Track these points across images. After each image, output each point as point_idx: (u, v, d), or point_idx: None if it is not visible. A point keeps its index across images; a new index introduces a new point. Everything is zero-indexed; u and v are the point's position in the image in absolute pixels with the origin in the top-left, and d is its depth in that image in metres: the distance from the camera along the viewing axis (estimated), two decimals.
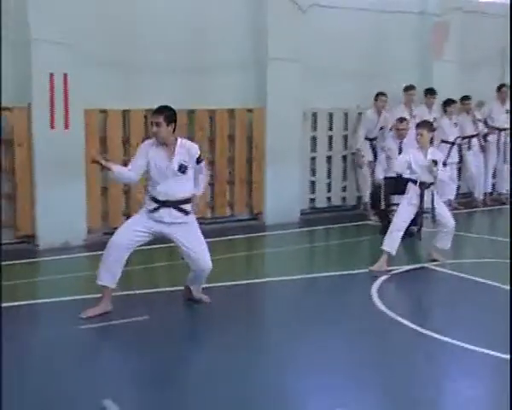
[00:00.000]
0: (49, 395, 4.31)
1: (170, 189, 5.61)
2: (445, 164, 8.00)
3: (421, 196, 7.31)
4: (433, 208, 7.38)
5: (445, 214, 7.57)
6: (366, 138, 10.40)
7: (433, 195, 7.40)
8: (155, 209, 5.65)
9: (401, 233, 7.34)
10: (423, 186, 7.32)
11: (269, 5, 9.47)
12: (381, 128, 10.41)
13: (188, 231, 5.73)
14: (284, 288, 6.81)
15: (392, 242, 7.26)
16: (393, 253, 7.25)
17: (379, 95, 10.25)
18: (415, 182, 7.37)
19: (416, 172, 7.38)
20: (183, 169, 5.60)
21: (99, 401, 4.10)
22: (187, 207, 5.72)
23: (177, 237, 5.73)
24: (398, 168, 7.74)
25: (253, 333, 5.51)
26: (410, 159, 7.46)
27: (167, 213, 5.64)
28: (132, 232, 5.69)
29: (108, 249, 5.71)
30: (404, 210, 7.39)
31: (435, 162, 7.32)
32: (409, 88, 10.57)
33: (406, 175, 7.53)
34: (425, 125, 7.69)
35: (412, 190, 7.40)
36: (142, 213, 5.77)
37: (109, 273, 5.69)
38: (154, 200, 5.66)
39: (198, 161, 5.75)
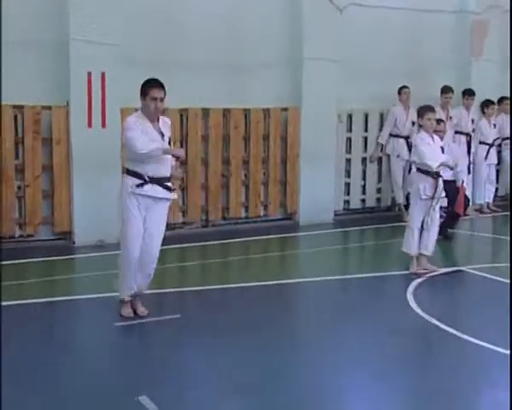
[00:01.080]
0: (84, 391, 4.34)
1: (159, 165, 5.47)
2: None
3: (436, 186, 7.09)
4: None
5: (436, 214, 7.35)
6: (398, 136, 10.32)
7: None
8: (141, 185, 5.44)
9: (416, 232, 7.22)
10: (438, 175, 7.13)
11: (305, 4, 9.45)
12: (414, 124, 10.30)
13: (161, 213, 5.62)
14: (318, 288, 6.78)
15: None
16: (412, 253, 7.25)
17: (402, 88, 10.17)
18: (427, 172, 7.09)
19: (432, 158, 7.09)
20: (170, 144, 5.65)
21: (135, 398, 4.15)
22: (170, 184, 5.63)
23: (149, 215, 5.53)
24: (434, 162, 7.15)
25: (285, 333, 5.49)
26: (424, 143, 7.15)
27: (153, 190, 5.47)
28: (141, 235, 5.55)
29: (129, 265, 5.58)
30: (419, 208, 7.20)
31: (442, 149, 7.29)
32: (446, 90, 10.43)
33: (421, 166, 7.11)
34: (431, 109, 7.34)
35: (424, 180, 7.10)
36: (131, 201, 5.48)
37: (131, 284, 5.64)
38: (140, 177, 5.44)
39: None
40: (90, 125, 8.11)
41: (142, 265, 5.60)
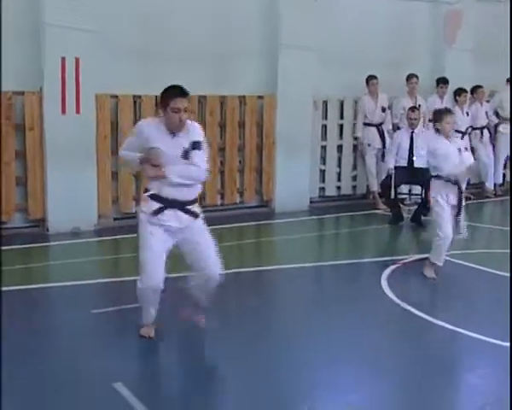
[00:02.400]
0: (60, 376, 4.35)
1: (174, 187, 4.69)
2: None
3: (460, 194, 6.55)
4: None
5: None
6: (370, 124, 10.39)
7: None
8: (158, 211, 4.70)
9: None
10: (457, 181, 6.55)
11: None
12: (384, 110, 10.39)
13: (195, 232, 4.86)
14: (293, 275, 6.81)
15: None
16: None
17: (370, 78, 10.23)
18: (448, 179, 6.52)
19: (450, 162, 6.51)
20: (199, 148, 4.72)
21: (110, 385, 4.16)
22: (196, 208, 4.87)
23: (184, 238, 4.83)
24: (455, 169, 6.55)
25: (260, 319, 5.53)
26: (442, 149, 6.55)
27: (174, 217, 4.73)
28: (162, 262, 4.80)
29: (147, 296, 4.86)
30: (445, 215, 6.60)
31: (460, 149, 6.67)
32: (410, 77, 10.48)
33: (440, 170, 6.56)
34: (449, 111, 6.93)
35: (444, 187, 6.56)
36: (152, 229, 4.72)
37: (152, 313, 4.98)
38: (157, 199, 4.71)
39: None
40: (63, 111, 8.02)
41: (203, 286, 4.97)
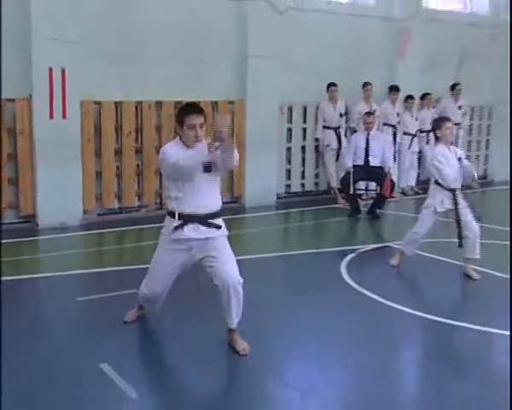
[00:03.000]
0: (49, 359, 4.30)
1: (198, 197, 4.34)
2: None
3: (456, 202, 6.22)
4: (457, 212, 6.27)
5: (468, 219, 6.29)
6: (329, 127, 10.43)
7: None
8: (179, 227, 4.35)
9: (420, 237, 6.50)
10: (455, 189, 6.23)
11: (249, 7, 9.44)
12: (341, 115, 10.46)
13: (216, 245, 4.46)
14: (261, 264, 6.82)
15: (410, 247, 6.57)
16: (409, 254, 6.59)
17: (330, 86, 10.28)
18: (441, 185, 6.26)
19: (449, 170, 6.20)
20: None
21: (96, 366, 4.13)
22: (218, 221, 4.47)
23: (204, 252, 4.43)
24: (452, 181, 6.24)
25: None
26: (440, 156, 6.21)
27: (193, 230, 4.36)
28: (169, 282, 4.61)
29: (147, 301, 4.84)
30: (429, 218, 6.42)
31: (460, 159, 6.28)
32: (365, 84, 10.58)
33: (437, 177, 6.28)
34: (448, 119, 6.54)
35: (441, 193, 6.30)
36: (172, 246, 4.41)
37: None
38: (178, 216, 4.35)
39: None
40: (51, 116, 7.95)
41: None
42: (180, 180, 4.27)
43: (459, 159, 6.28)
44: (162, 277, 4.54)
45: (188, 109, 4.32)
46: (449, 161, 6.22)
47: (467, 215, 6.27)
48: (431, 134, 11.42)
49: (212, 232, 4.39)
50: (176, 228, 4.33)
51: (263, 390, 3.89)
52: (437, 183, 6.30)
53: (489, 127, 13.25)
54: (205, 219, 4.35)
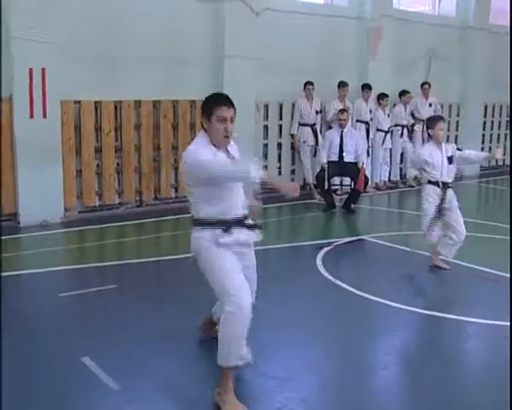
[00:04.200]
0: (32, 352, 4.29)
1: (231, 203, 3.76)
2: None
3: (443, 198, 6.18)
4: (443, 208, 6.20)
5: (459, 221, 6.25)
6: (305, 124, 10.47)
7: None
8: (226, 231, 3.70)
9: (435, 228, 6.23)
10: (444, 186, 6.21)
11: (226, 8, 9.42)
12: (317, 113, 10.51)
13: (252, 253, 3.95)
14: None
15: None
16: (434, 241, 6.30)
17: (306, 84, 10.33)
18: (434, 182, 6.21)
19: (436, 169, 6.18)
20: None
21: (78, 359, 4.12)
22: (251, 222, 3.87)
23: (243, 260, 3.82)
24: (415, 164, 6.52)
25: (211, 298, 5.53)
26: (426, 155, 6.23)
27: (240, 233, 3.76)
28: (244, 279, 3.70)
29: (236, 323, 3.53)
30: (431, 211, 6.23)
31: (450, 159, 6.21)
32: (342, 85, 10.64)
33: (427, 174, 6.23)
34: (441, 118, 6.43)
35: (431, 190, 6.24)
36: (221, 250, 3.68)
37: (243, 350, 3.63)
38: (221, 223, 3.70)
39: None
40: (32, 116, 7.86)
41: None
42: (217, 184, 3.63)
43: (450, 157, 6.19)
44: (235, 279, 3.62)
45: (219, 100, 3.70)
46: (434, 160, 6.18)
47: (457, 218, 6.21)
48: (404, 129, 11.62)
49: (251, 236, 3.83)
50: (223, 232, 3.68)
51: (240, 380, 3.90)
52: (429, 181, 6.26)
53: (458, 124, 13.41)
54: (242, 221, 3.78)
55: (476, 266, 6.31)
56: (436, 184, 6.20)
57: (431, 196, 6.22)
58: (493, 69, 13.12)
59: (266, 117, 10.51)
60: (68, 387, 3.86)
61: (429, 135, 6.32)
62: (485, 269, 6.23)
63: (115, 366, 4.11)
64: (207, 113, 3.70)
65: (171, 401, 3.76)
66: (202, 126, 3.79)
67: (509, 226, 6.58)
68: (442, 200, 6.17)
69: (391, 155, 11.68)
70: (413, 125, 11.84)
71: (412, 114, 11.83)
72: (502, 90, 12.90)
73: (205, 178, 3.58)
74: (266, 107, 10.45)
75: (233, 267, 3.66)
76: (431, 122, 6.31)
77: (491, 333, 4.85)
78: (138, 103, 8.95)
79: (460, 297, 5.77)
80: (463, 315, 5.10)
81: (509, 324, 4.61)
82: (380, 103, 11.17)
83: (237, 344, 3.56)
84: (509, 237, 6.18)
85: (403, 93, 11.50)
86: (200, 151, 3.61)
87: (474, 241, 6.90)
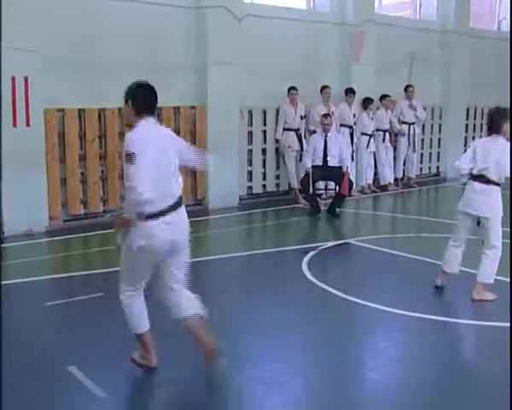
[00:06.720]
0: (19, 362, 4.25)
1: None
2: None
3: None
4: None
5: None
6: (290, 129, 10.52)
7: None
8: None
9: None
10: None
11: (208, 15, 9.45)
12: (302, 118, 10.56)
13: None
14: (225, 264, 6.87)
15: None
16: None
17: (290, 89, 10.37)
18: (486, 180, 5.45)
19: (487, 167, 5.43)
20: None
21: (64, 368, 4.10)
22: None
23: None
24: (463, 164, 5.59)
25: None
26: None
27: None
28: None
29: None
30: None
31: None
32: (324, 88, 10.70)
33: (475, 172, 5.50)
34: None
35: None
36: None
37: None
38: None
39: None
40: (15, 124, 7.82)
41: None
42: None
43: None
44: None
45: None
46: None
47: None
48: (386, 134, 11.70)
49: None
50: None
51: (228, 385, 3.91)
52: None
53: (440, 126, 13.53)
54: None
55: (463, 269, 6.34)
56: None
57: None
58: (474, 72, 13.28)
59: (250, 123, 10.53)
60: (55, 396, 3.85)
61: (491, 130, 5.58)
62: (471, 271, 6.25)
63: (102, 375, 4.10)
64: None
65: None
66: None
67: (509, 230, 6.59)
68: None
69: (375, 158, 11.76)
70: (396, 134, 11.90)
71: (398, 119, 11.91)
72: (483, 93, 13.06)
73: None
74: (250, 112, 10.48)
75: None
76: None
77: (482, 334, 4.91)
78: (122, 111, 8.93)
79: (449, 299, 5.79)
80: (452, 317, 5.15)
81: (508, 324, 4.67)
82: (366, 107, 11.25)
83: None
84: (509, 241, 6.19)
85: (383, 97, 11.58)
86: None
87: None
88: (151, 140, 3.76)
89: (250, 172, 10.68)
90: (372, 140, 11.46)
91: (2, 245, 7.57)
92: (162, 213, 3.75)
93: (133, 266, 3.93)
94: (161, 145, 3.82)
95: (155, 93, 3.99)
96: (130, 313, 4.07)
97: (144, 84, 4.04)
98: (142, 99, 3.94)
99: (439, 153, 13.64)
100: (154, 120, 3.93)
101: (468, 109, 13.93)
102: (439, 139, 13.56)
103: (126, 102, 3.95)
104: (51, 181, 8.31)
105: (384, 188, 11.75)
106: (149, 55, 9.09)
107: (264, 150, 10.77)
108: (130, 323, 4.10)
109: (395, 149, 12.01)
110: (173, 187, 3.87)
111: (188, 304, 4.03)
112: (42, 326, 5.04)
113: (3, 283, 6.05)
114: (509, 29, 11.80)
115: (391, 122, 11.75)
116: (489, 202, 5.43)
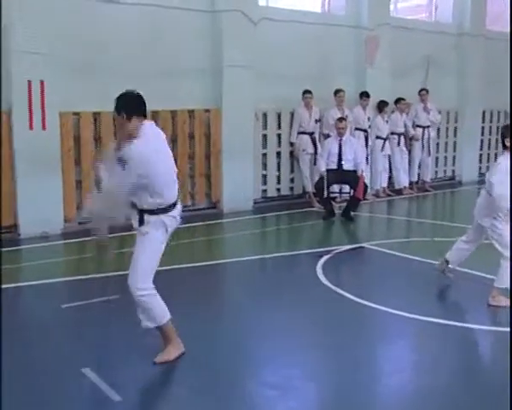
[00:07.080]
0: (34, 366, 4.28)
1: None
2: None
3: None
4: None
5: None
6: (304, 133, 10.50)
7: None
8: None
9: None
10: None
11: (224, 19, 9.48)
12: (317, 121, 10.55)
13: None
14: (240, 267, 6.86)
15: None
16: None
17: (305, 93, 10.36)
18: None
19: None
20: None
21: (79, 370, 4.12)
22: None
23: None
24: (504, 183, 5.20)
25: (213, 307, 5.56)
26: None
27: None
28: None
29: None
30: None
31: None
32: (337, 91, 10.67)
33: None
34: None
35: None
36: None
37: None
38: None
39: None
40: (31, 127, 7.90)
41: None
42: None
43: None
44: None
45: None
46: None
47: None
48: (401, 137, 11.65)
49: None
50: None
51: (241, 390, 3.91)
52: None
53: (456, 130, 13.45)
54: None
55: (478, 273, 6.29)
56: None
57: None
58: (490, 75, 13.17)
59: (265, 126, 10.53)
60: (69, 398, 3.87)
61: (505, 145, 5.34)
62: (486, 275, 6.21)
63: (117, 377, 4.11)
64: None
65: None
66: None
67: None
68: None
69: (390, 162, 11.71)
70: (411, 138, 11.85)
71: (413, 123, 11.85)
72: (499, 96, 12.95)
73: None
74: (265, 115, 10.48)
75: None
76: (506, 131, 5.36)
77: (495, 340, 4.86)
78: None
79: (463, 304, 5.76)
80: (466, 322, 5.12)
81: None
82: (381, 110, 11.21)
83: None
84: None
85: (398, 101, 11.53)
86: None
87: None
88: (160, 145, 4.22)
89: (264, 176, 10.67)
90: (387, 143, 11.41)
91: (18, 247, 7.64)
92: (175, 204, 4.31)
93: (159, 251, 4.27)
94: (166, 147, 4.27)
95: (142, 97, 4.25)
96: (155, 304, 4.22)
97: (130, 91, 4.30)
98: (136, 105, 4.14)
99: (454, 156, 13.54)
100: (150, 123, 4.25)
101: (484, 112, 13.83)
102: (455, 143, 13.47)
103: (119, 113, 4.08)
104: (66, 184, 8.37)
105: (399, 192, 11.69)
106: (165, 58, 9.13)
107: (278, 154, 10.76)
108: (155, 315, 4.25)
109: (410, 152, 11.96)
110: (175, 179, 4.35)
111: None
112: (57, 328, 5.07)
113: (20, 284, 6.13)
114: None
115: (406, 126, 11.71)
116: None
